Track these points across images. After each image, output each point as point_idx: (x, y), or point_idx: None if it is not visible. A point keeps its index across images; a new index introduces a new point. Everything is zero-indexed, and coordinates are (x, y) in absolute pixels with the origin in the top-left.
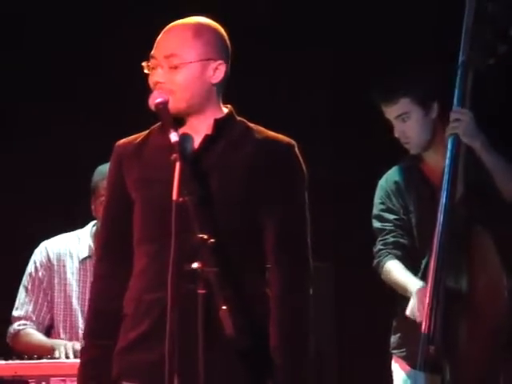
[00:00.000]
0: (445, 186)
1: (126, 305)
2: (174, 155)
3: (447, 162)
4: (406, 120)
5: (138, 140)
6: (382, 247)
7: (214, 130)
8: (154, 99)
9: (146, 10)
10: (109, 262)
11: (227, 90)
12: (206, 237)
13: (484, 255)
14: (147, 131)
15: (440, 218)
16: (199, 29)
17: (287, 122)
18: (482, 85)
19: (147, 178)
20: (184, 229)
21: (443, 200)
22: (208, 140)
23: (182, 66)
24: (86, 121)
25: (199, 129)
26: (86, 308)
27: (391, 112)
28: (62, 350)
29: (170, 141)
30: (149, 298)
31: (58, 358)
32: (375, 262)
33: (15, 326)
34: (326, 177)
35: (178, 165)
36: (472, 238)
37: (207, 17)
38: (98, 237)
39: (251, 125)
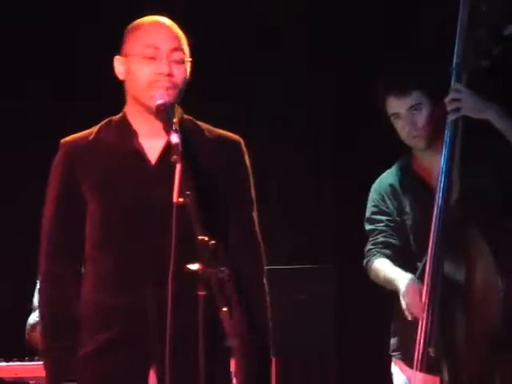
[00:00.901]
0: (441, 181)
1: (86, 307)
2: (175, 156)
3: (444, 150)
4: (417, 112)
5: (90, 138)
6: (371, 247)
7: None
8: (156, 100)
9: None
10: (61, 262)
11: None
12: (206, 238)
13: (479, 258)
14: (96, 128)
15: (435, 219)
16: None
17: (289, 122)
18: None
19: (108, 180)
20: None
21: (438, 200)
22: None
23: (185, 62)
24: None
25: (161, 129)
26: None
27: (402, 104)
28: None
29: (127, 144)
30: (116, 302)
31: None
32: (365, 261)
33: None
34: (327, 178)
35: (178, 166)
36: (467, 240)
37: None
38: (46, 238)
39: (198, 122)
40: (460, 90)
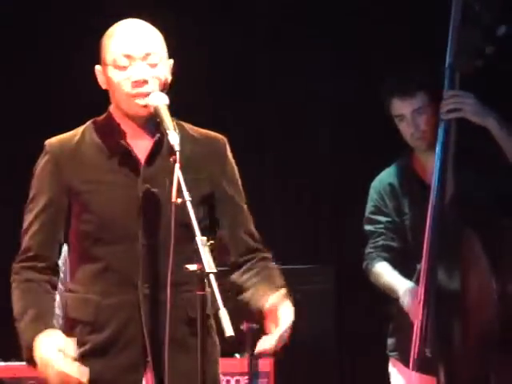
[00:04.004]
0: (435, 181)
1: (76, 309)
2: (174, 156)
3: (437, 149)
4: (422, 114)
5: (76, 140)
6: (371, 250)
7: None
8: (153, 99)
9: None
10: (43, 265)
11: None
12: (206, 238)
13: (473, 258)
14: (81, 129)
15: (430, 219)
16: (155, 28)
17: (287, 121)
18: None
19: (98, 180)
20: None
21: (433, 200)
22: (158, 142)
23: (161, 64)
24: None
25: (148, 130)
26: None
27: (406, 107)
28: None
29: (116, 144)
30: (108, 302)
31: None
32: (364, 264)
33: None
34: (325, 177)
35: (177, 166)
36: (461, 240)
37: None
38: (28, 243)
39: (181, 122)
40: (463, 94)
